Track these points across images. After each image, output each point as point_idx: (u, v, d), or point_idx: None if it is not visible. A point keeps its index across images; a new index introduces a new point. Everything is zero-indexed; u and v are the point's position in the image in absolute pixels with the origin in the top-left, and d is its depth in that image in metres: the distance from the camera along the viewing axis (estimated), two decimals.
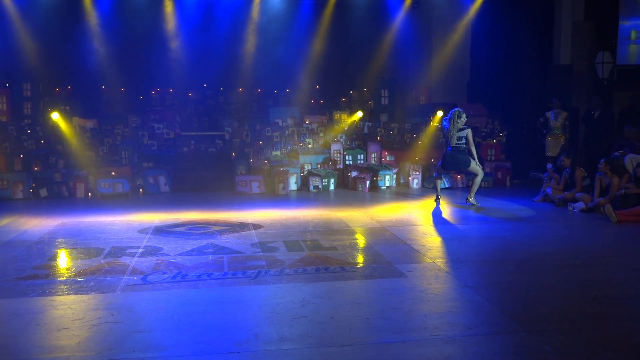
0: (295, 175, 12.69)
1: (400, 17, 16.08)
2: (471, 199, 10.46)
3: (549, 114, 12.85)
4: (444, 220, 9.36)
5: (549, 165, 11.77)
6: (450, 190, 12.61)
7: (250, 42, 15.66)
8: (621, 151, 10.96)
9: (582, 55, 14.35)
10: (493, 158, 13.84)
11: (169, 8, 15.20)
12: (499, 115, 14.90)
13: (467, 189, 12.75)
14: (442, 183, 11.95)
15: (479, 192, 11.00)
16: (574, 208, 10.02)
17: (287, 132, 14.12)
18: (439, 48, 15.80)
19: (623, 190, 9.47)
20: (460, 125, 10.08)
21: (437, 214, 9.88)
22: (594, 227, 8.84)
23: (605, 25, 13.94)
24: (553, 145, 12.72)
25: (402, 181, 13.49)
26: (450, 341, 4.38)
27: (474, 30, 15.80)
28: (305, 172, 13.02)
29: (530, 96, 14.68)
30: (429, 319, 4.79)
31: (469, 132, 10.10)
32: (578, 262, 6.73)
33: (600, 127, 12.86)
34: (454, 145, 10.16)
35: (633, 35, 13.37)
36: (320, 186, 12.54)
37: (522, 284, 5.79)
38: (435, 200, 10.54)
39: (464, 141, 10.13)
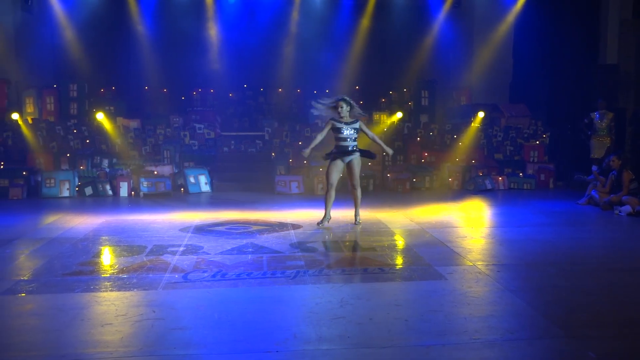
0: None
1: (441, 17, 15.95)
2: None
3: (594, 115, 12.54)
4: (485, 223, 9.23)
5: (594, 168, 11.49)
6: (491, 193, 12.42)
7: (290, 42, 15.74)
8: None
9: (629, 55, 13.96)
10: (536, 160, 13.59)
11: (210, 10, 15.41)
12: (542, 116, 14.64)
13: (509, 190, 12.60)
14: (483, 185, 11.80)
15: (522, 194, 10.78)
16: (620, 212, 9.76)
17: None
18: (481, 48, 15.59)
19: None
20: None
21: (477, 216, 9.75)
22: None
23: None
24: (598, 147, 12.41)
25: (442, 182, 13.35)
26: (490, 345, 4.32)
27: (516, 29, 15.55)
28: None
29: (574, 96, 14.34)
30: (469, 322, 4.73)
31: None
32: (622, 267, 6.56)
33: None
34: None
35: None
36: None
37: (564, 288, 5.67)
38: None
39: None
